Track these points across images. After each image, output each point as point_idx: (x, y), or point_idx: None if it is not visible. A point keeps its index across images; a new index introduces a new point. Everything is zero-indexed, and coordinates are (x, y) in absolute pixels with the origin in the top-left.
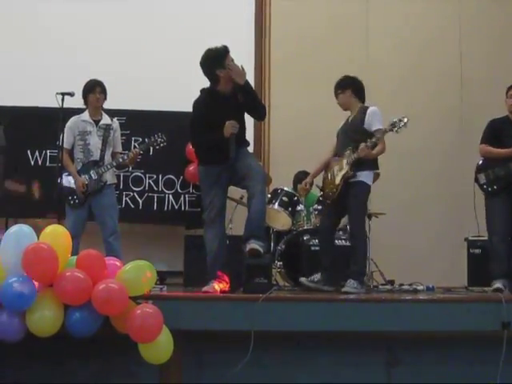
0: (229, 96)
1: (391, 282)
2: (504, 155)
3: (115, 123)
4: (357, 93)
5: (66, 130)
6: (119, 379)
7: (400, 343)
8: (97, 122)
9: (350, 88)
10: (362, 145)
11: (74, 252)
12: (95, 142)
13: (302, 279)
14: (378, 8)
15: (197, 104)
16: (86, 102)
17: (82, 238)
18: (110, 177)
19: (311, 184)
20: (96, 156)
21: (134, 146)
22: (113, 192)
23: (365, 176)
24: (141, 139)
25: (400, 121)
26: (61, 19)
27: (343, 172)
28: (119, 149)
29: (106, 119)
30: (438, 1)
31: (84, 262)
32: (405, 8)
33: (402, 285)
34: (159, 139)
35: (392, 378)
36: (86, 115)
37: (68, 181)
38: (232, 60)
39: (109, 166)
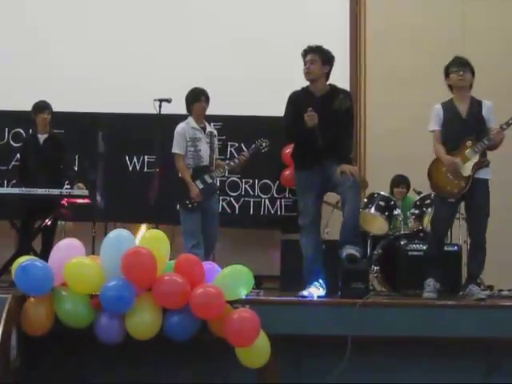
0: (318, 98)
1: (490, 288)
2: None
3: (215, 131)
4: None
5: (176, 136)
6: (216, 383)
7: (500, 349)
8: (204, 129)
9: (473, 75)
10: (497, 129)
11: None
12: (205, 148)
13: (428, 295)
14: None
15: (293, 94)
16: (189, 110)
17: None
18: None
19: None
20: (206, 161)
21: (240, 151)
22: (216, 198)
23: (489, 173)
24: (237, 144)
25: None
26: (159, 30)
27: (474, 161)
28: (217, 155)
29: (208, 126)
30: None
31: (182, 267)
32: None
33: (501, 290)
34: (264, 143)
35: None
36: (193, 122)
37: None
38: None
39: (222, 170)
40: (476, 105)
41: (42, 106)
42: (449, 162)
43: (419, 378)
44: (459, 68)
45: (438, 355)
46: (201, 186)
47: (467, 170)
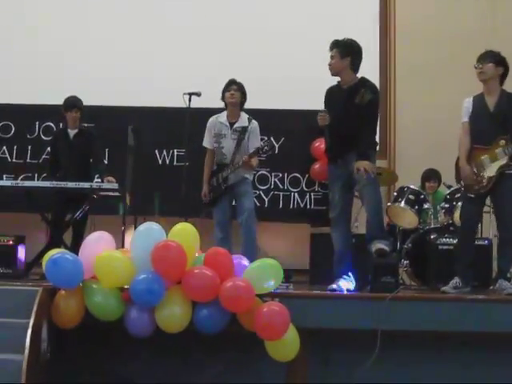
0: (344, 91)
1: None
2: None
3: (253, 124)
4: (503, 75)
5: (206, 130)
6: (246, 376)
7: None
8: (232, 125)
9: (501, 65)
10: None
11: None
12: (229, 145)
13: (445, 288)
14: None
15: (328, 89)
16: (225, 103)
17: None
18: (243, 173)
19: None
20: (228, 159)
21: (270, 144)
22: (246, 183)
23: None
24: (266, 137)
25: None
26: (190, 25)
27: (501, 163)
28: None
29: (242, 121)
30: None
31: (212, 260)
32: None
33: None
34: (265, 147)
35: None
36: (223, 116)
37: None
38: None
39: (229, 171)
40: (506, 98)
41: (71, 104)
42: (464, 172)
43: (448, 372)
44: (478, 62)
45: (469, 350)
46: (215, 184)
47: (492, 170)
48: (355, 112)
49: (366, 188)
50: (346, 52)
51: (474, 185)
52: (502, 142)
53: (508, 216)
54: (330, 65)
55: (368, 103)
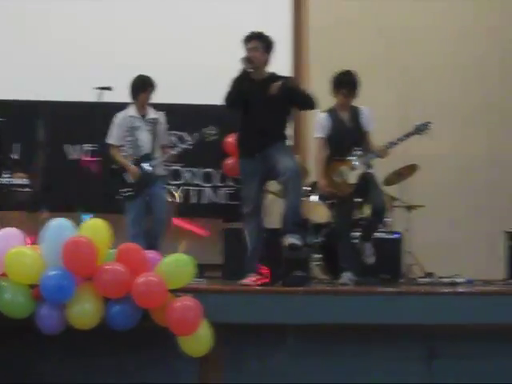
0: (257, 83)
1: (430, 275)
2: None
3: (161, 116)
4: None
5: (114, 126)
6: (159, 372)
7: (440, 336)
8: (143, 117)
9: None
10: (383, 147)
11: None
12: (144, 136)
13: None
14: None
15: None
16: (134, 98)
17: None
18: (160, 170)
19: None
20: (146, 150)
21: (182, 140)
22: (163, 183)
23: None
24: (179, 133)
25: (424, 125)
26: (98, 15)
27: (360, 172)
28: (166, 141)
29: (151, 113)
30: None
31: (123, 255)
32: None
33: (441, 277)
34: (208, 132)
35: (433, 371)
36: (132, 110)
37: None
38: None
39: (160, 160)
40: (356, 112)
41: None
42: (320, 185)
43: (359, 366)
44: (354, 90)
45: (379, 342)
46: (145, 170)
47: (352, 178)
48: (273, 104)
49: (294, 180)
50: (269, 48)
51: (336, 192)
52: (359, 152)
53: (380, 211)
54: (252, 57)
55: (286, 91)
